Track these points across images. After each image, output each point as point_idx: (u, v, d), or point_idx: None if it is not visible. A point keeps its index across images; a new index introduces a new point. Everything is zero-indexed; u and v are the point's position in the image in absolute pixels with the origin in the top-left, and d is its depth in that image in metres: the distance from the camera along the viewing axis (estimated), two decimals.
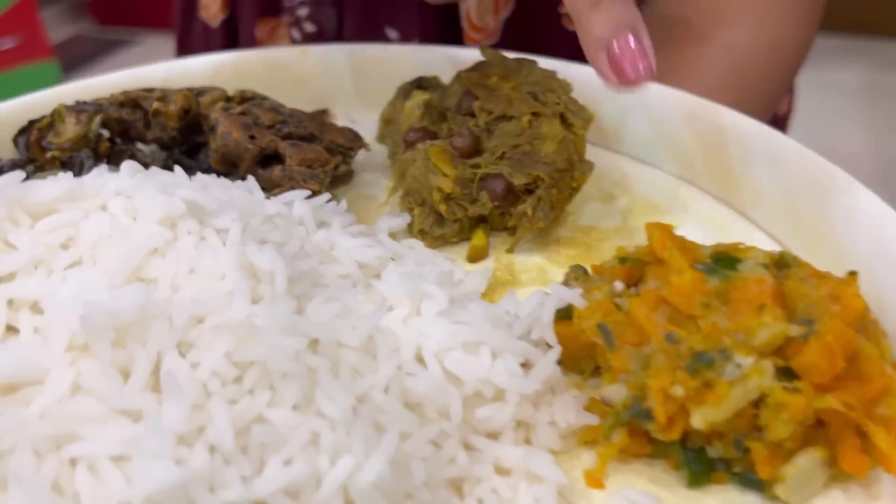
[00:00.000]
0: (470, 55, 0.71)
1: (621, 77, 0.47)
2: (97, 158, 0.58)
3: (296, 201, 0.51)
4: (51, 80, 3.10)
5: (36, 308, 0.40)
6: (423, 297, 0.43)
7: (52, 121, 0.59)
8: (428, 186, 0.55)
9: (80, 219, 0.43)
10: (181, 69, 0.71)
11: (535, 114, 0.55)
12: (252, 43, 0.89)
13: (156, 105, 0.59)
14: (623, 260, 0.44)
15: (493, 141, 0.55)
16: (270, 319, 0.37)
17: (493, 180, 0.54)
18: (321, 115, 0.72)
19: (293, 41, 0.86)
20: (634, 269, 0.44)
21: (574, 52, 0.82)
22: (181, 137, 0.62)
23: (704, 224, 0.58)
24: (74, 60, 3.45)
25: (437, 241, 0.56)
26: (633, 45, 0.46)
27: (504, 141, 0.55)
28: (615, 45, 0.46)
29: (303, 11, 0.83)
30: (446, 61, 0.72)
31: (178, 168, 0.48)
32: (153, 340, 0.36)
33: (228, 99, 0.63)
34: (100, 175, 0.47)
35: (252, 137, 0.56)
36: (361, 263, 0.49)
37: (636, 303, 0.41)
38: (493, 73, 0.59)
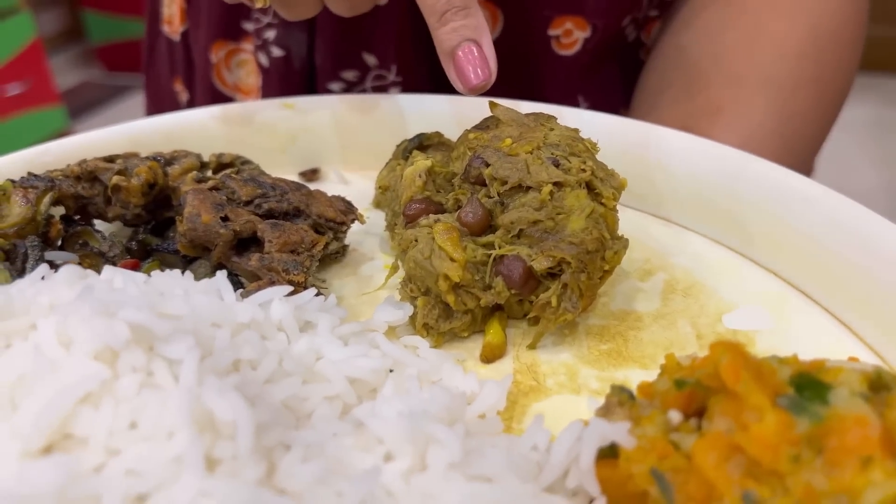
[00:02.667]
0: (474, 106, 0.62)
1: (466, 82, 0.51)
2: (48, 244, 0.49)
3: (274, 301, 0.42)
4: (57, 126, 3.05)
5: None
6: (430, 443, 0.33)
7: None
8: (433, 273, 0.45)
9: (1, 349, 0.34)
10: (156, 127, 0.62)
11: (557, 183, 0.46)
12: (207, 67, 0.80)
13: (115, 179, 0.50)
14: (680, 384, 0.35)
15: (509, 216, 0.46)
16: (227, 499, 0.28)
17: (510, 264, 0.45)
18: (310, 176, 0.63)
19: (260, 67, 0.77)
20: (694, 395, 0.35)
21: (567, 77, 0.73)
22: (147, 214, 0.53)
23: (760, 304, 0.48)
24: (82, 106, 3.42)
25: (445, 336, 0.46)
26: (475, 53, 0.51)
27: (521, 216, 0.46)
28: (459, 53, 0.51)
29: (270, 34, 0.75)
30: (450, 113, 0.63)
31: (125, 273, 0.39)
32: None
33: (203, 166, 0.54)
34: (33, 284, 0.38)
35: (225, 219, 0.46)
36: (353, 379, 0.40)
37: (702, 448, 0.32)
38: (506, 133, 0.49)
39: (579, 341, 0.46)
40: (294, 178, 0.63)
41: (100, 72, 3.76)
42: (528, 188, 0.47)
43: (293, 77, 0.76)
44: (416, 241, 0.47)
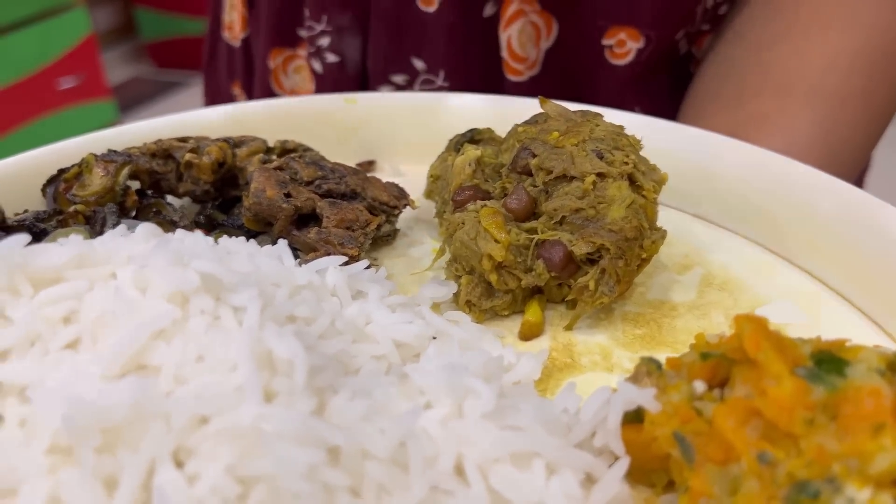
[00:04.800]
0: (526, 106, 0.65)
1: None
2: (123, 213, 0.54)
3: (329, 268, 0.45)
4: (108, 119, 3.16)
5: (24, 396, 0.35)
6: (467, 394, 0.36)
7: (79, 171, 0.55)
8: (477, 253, 0.48)
9: (84, 290, 0.38)
10: (222, 116, 0.66)
11: (600, 174, 0.49)
12: (265, 73, 0.85)
13: (188, 157, 0.55)
14: (705, 356, 0.37)
15: (552, 203, 0.49)
16: (283, 424, 0.31)
17: (552, 248, 0.48)
18: (366, 168, 0.67)
19: (313, 73, 0.81)
20: (719, 367, 0.37)
21: (619, 86, 0.76)
22: (215, 191, 0.57)
23: (793, 301, 0.50)
24: (132, 101, 3.55)
25: (486, 313, 0.49)
26: None
27: (564, 203, 0.49)
28: None
29: (324, 41, 0.79)
30: (500, 112, 0.66)
31: (197, 234, 0.43)
32: (146, 446, 0.31)
33: (269, 150, 0.58)
34: (113, 239, 0.42)
35: (288, 195, 0.50)
36: (399, 343, 0.43)
37: (722, 412, 0.34)
38: (554, 127, 0.52)
39: (614, 325, 0.48)
40: None
41: (149, 68, 3.90)
42: (572, 178, 0.49)
43: (346, 81, 0.80)
44: (463, 223, 0.50)
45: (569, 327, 0.48)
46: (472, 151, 0.54)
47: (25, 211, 0.57)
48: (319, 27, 0.77)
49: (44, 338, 0.37)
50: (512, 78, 0.74)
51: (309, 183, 0.51)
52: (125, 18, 3.95)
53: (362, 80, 0.80)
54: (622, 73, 0.74)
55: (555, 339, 0.48)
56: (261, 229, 0.53)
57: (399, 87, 0.79)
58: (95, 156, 0.55)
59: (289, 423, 0.31)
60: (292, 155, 0.58)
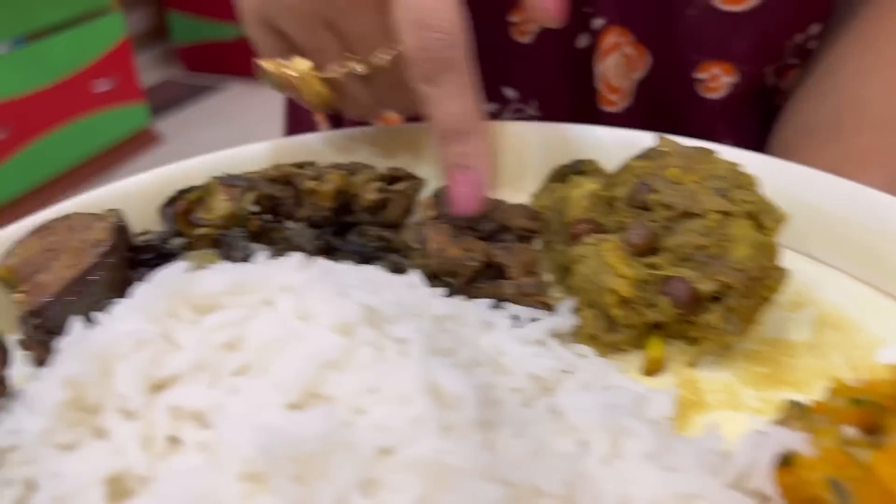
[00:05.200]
0: (617, 138, 0.66)
1: (454, 206, 0.52)
2: (248, 237, 0.56)
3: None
4: (140, 123, 3.23)
5: (201, 420, 0.37)
6: (624, 433, 0.37)
7: (202, 195, 0.57)
8: (601, 288, 0.49)
9: (246, 318, 0.40)
10: (328, 141, 0.68)
11: (722, 212, 0.50)
12: None
13: (310, 184, 0.57)
14: (857, 402, 0.38)
15: (675, 239, 0.50)
16: (465, 458, 0.33)
17: (677, 285, 0.49)
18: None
19: None
20: (870, 413, 0.38)
21: (710, 119, 0.77)
22: (332, 217, 0.59)
23: None
24: (163, 104, 3.60)
25: (607, 348, 0.50)
26: (468, 180, 0.51)
27: (688, 240, 0.50)
28: (455, 177, 0.52)
29: None
30: (597, 143, 0.67)
31: (345, 266, 0.45)
32: (338, 476, 0.32)
33: (381, 178, 0.60)
34: (265, 266, 0.44)
35: (466, 250, 0.52)
36: (534, 376, 0.44)
37: (883, 460, 0.35)
38: (672, 163, 0.54)
39: (735, 363, 0.49)
40: None
41: (181, 71, 3.96)
42: (695, 215, 0.51)
43: None
44: (584, 257, 0.51)
45: (691, 363, 0.49)
46: (589, 185, 0.55)
47: (144, 232, 0.59)
48: None
49: (212, 364, 0.38)
50: (607, 109, 0.76)
51: (469, 227, 0.53)
52: (158, 22, 4.01)
53: None
54: (713, 107, 0.75)
55: (678, 375, 0.49)
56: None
57: (489, 116, 0.81)
58: (219, 180, 0.57)
59: (471, 458, 0.33)
60: (402, 186, 0.60)
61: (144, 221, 0.59)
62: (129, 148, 3.20)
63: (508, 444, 0.36)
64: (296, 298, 0.40)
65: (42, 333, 0.49)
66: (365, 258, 0.57)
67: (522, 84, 0.77)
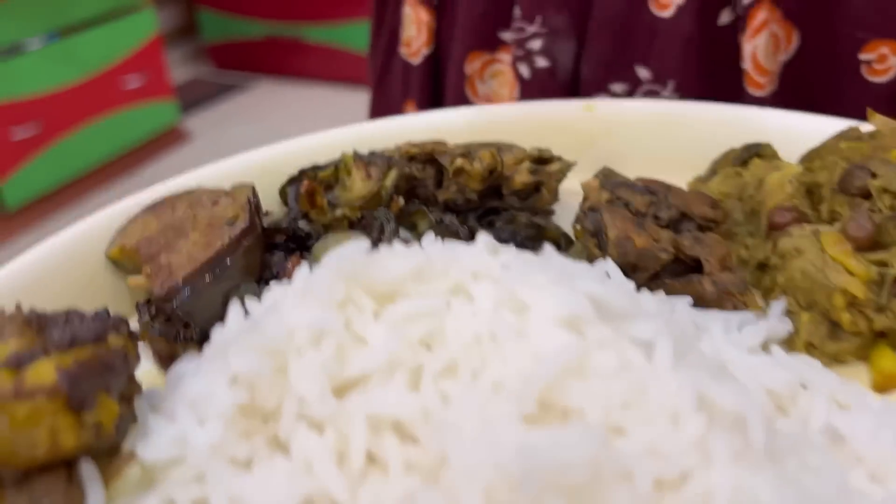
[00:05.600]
0: (791, 122, 0.59)
1: None
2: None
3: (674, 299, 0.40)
4: (169, 119, 3.21)
5: (401, 431, 0.30)
6: None
7: (335, 173, 0.51)
8: (826, 287, 0.42)
9: (442, 308, 0.33)
10: (459, 119, 0.61)
11: None
12: (460, 79, 0.80)
13: (459, 162, 0.50)
14: None
15: None
16: (771, 494, 0.25)
17: None
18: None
19: (519, 78, 0.76)
20: None
21: (873, 105, 0.69)
22: (477, 201, 0.52)
23: None
24: (192, 101, 3.57)
25: (827, 357, 0.43)
26: None
27: None
28: None
29: (535, 44, 0.73)
30: (756, 126, 0.60)
31: (550, 250, 0.38)
32: None
33: (532, 159, 0.53)
34: (447, 249, 0.37)
35: (654, 240, 0.44)
36: (770, 391, 0.37)
37: None
38: (891, 144, 0.46)
39: None
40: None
41: (210, 69, 3.92)
42: None
43: (555, 88, 0.74)
44: (800, 250, 0.44)
45: None
46: (790, 167, 0.48)
47: (266, 213, 0.52)
48: (532, 29, 0.72)
49: (408, 363, 0.31)
50: (754, 92, 0.68)
51: (644, 214, 0.46)
52: (187, 19, 3.98)
53: (572, 88, 0.74)
54: (879, 91, 0.68)
55: None
56: None
57: (617, 97, 0.74)
58: (354, 156, 0.50)
59: (777, 494, 0.26)
60: (555, 167, 0.53)
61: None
62: (158, 145, 3.15)
63: (801, 476, 0.28)
64: (496, 287, 0.33)
65: (166, 323, 0.42)
66: (516, 248, 0.50)
67: (659, 63, 0.70)
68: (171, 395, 0.32)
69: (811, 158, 0.50)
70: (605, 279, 0.35)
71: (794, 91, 0.70)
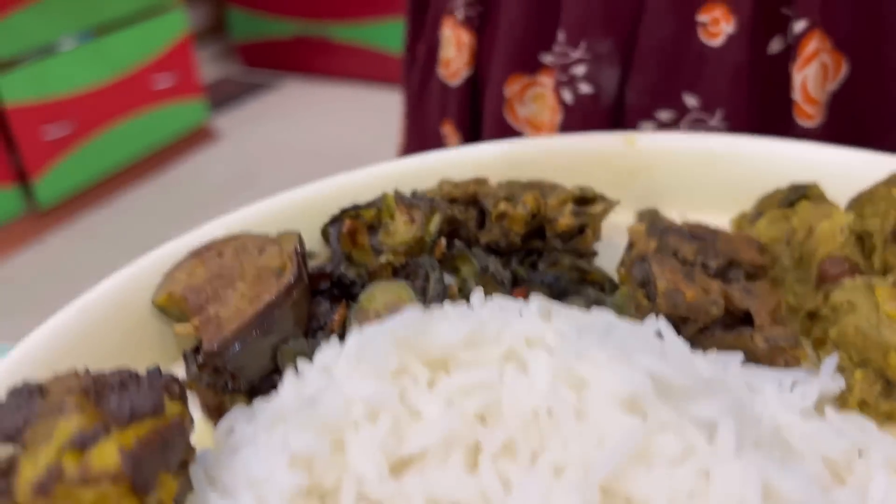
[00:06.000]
0: (839, 158, 0.57)
1: None
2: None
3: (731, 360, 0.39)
4: (199, 118, 3.23)
5: None
6: None
7: (378, 214, 0.50)
8: (881, 344, 0.41)
9: (497, 380, 0.32)
10: (495, 154, 0.60)
11: None
12: (499, 102, 0.79)
13: (502, 206, 0.49)
14: None
15: None
16: None
17: None
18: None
19: (562, 103, 0.74)
20: None
21: None
22: (520, 243, 0.51)
23: None
24: (221, 100, 3.59)
25: (882, 417, 0.42)
26: None
27: None
28: None
29: (579, 69, 0.72)
30: (804, 164, 0.58)
31: (568, 310, 0.37)
32: None
33: (576, 200, 0.52)
34: (499, 312, 0.36)
35: (704, 291, 0.43)
36: (827, 458, 0.35)
37: None
38: None
39: None
40: (631, 219, 0.60)
41: (239, 68, 3.93)
42: None
43: (599, 114, 0.73)
44: (852, 305, 0.43)
45: None
46: (841, 215, 0.47)
47: (310, 255, 0.51)
48: (576, 54, 0.71)
49: (465, 440, 0.31)
50: (804, 123, 0.67)
51: (693, 263, 0.44)
52: (217, 18, 3.99)
53: (616, 114, 0.73)
54: None
55: None
56: None
57: (663, 125, 0.72)
58: (396, 197, 0.50)
59: None
60: (599, 208, 0.52)
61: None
62: (188, 144, 3.17)
63: None
64: (552, 358, 0.32)
65: (213, 374, 0.41)
66: (558, 292, 0.49)
67: (707, 91, 0.69)
68: (228, 467, 0.32)
69: (862, 204, 0.48)
70: (663, 352, 0.33)
71: (843, 122, 0.69)
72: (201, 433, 0.42)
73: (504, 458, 0.30)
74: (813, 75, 0.65)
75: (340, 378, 0.32)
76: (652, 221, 0.49)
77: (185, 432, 0.32)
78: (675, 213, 0.60)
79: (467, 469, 0.30)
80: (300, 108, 3.58)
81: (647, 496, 0.28)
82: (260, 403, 0.35)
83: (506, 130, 0.79)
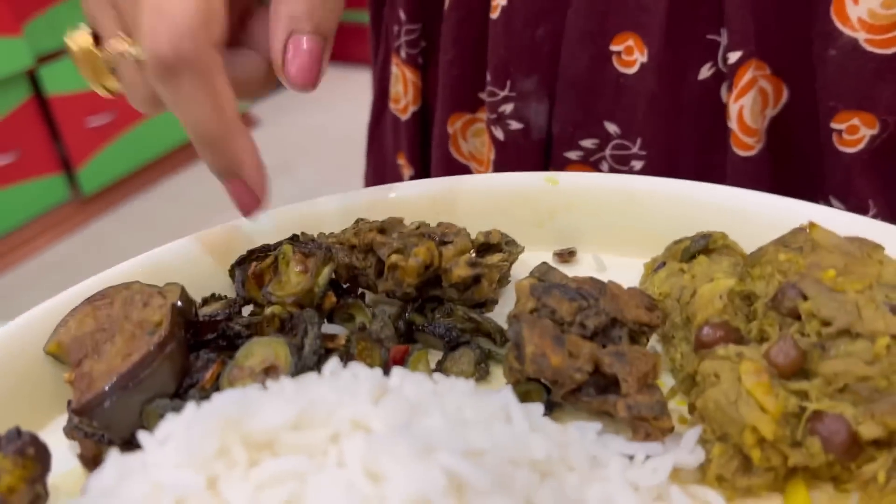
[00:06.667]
0: (761, 206, 0.55)
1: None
2: (320, 314, 0.47)
3: (571, 431, 0.38)
4: (239, 106, 3.30)
5: None
6: None
7: (274, 262, 0.49)
8: (737, 422, 0.39)
9: (307, 470, 0.32)
10: (421, 193, 0.59)
11: (894, 336, 0.39)
12: (444, 138, 0.78)
13: (393, 258, 0.48)
14: None
15: (832, 365, 0.39)
16: None
17: (832, 424, 0.38)
18: (566, 259, 0.58)
19: (494, 140, 0.73)
20: None
21: (845, 174, 0.64)
22: (415, 292, 0.50)
23: None
24: None
25: (739, 492, 0.40)
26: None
27: (848, 369, 0.39)
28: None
29: (507, 107, 0.70)
30: (719, 208, 0.56)
31: (415, 380, 0.36)
32: None
33: (474, 247, 0.51)
34: (333, 390, 0.36)
35: (570, 355, 0.42)
36: None
37: None
38: (828, 262, 0.42)
39: None
40: (549, 257, 0.59)
41: None
42: (857, 335, 0.39)
43: (530, 148, 0.72)
44: (717, 377, 0.41)
45: None
46: (723, 281, 0.45)
47: (213, 296, 0.51)
48: (502, 93, 0.69)
49: None
50: (740, 153, 0.64)
51: (571, 323, 0.43)
52: None
53: (546, 146, 0.71)
54: (850, 161, 0.63)
55: None
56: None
57: (588, 152, 0.70)
58: (293, 246, 0.49)
59: None
60: (543, 283, 0.51)
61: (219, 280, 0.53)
62: None
63: None
64: (366, 448, 0.32)
65: (90, 426, 0.42)
66: (450, 342, 0.48)
67: (625, 120, 0.67)
68: None
69: (752, 264, 0.46)
70: (466, 427, 0.33)
71: (780, 151, 0.66)
72: (78, 482, 0.42)
73: None
74: (750, 104, 0.62)
75: (152, 462, 0.32)
76: (540, 277, 0.48)
77: None
78: (590, 255, 0.59)
79: None
80: (339, 97, 3.59)
81: None
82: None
83: (452, 165, 0.78)
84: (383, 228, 0.52)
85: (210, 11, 0.41)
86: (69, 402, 0.43)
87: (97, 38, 0.46)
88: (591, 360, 0.42)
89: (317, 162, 2.96)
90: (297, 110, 3.48)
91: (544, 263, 0.49)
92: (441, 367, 0.47)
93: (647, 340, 0.46)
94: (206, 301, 0.51)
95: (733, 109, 0.63)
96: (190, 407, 0.35)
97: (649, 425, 0.41)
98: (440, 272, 0.49)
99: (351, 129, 3.20)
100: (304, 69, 0.46)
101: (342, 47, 3.68)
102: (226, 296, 0.52)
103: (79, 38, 0.47)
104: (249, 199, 0.46)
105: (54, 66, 2.51)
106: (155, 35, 0.40)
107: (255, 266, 0.51)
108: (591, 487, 0.36)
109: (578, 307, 0.45)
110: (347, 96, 3.42)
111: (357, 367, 0.38)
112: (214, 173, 0.46)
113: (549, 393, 0.44)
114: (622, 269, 0.57)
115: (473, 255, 0.51)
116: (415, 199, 0.59)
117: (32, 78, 2.50)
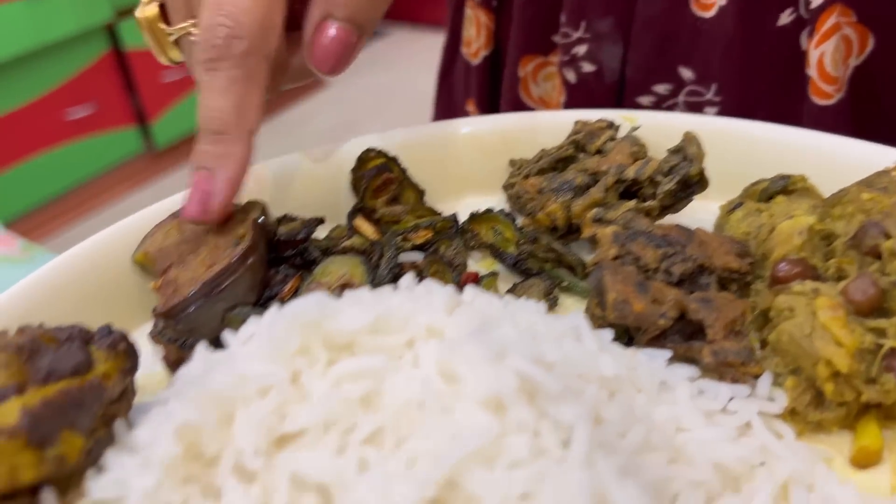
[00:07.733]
0: (842, 152, 0.53)
1: (184, 210, 0.44)
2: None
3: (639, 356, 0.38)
4: None
5: (325, 495, 0.30)
6: None
7: (399, 181, 0.51)
8: (811, 354, 0.39)
9: (384, 367, 0.33)
10: (480, 129, 0.59)
11: None
12: (514, 81, 0.77)
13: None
14: None
15: None
16: None
17: None
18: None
19: (565, 82, 0.72)
20: None
21: None
22: None
23: None
24: None
25: (810, 426, 0.40)
26: (204, 184, 0.44)
27: None
28: (194, 177, 0.44)
29: (580, 49, 0.69)
30: (799, 148, 0.54)
31: (487, 298, 0.37)
32: None
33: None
34: (410, 300, 0.36)
35: (655, 302, 0.42)
36: (720, 466, 0.34)
37: None
38: None
39: None
40: None
41: None
42: None
43: (602, 91, 0.71)
44: (791, 311, 0.40)
45: None
46: (804, 217, 0.44)
47: (285, 217, 0.52)
48: (576, 34, 0.69)
49: (341, 423, 0.31)
50: (818, 101, 0.62)
51: (656, 270, 0.43)
52: None
53: (619, 90, 0.70)
54: None
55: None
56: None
57: (661, 98, 0.69)
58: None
59: None
60: (628, 230, 0.50)
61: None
62: (297, 90, 3.24)
63: None
64: (441, 350, 0.33)
65: (175, 331, 0.44)
66: (523, 272, 0.49)
67: (701, 64, 0.65)
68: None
69: (833, 204, 0.45)
70: (539, 342, 0.33)
71: (863, 99, 0.63)
72: (161, 384, 0.44)
73: (371, 444, 0.31)
74: (831, 51, 0.60)
75: (238, 356, 0.34)
76: (625, 224, 0.47)
77: (101, 393, 0.34)
78: None
79: (337, 451, 0.31)
80: (406, 57, 3.59)
81: (482, 496, 0.28)
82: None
83: (521, 109, 0.78)
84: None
85: (269, 20, 0.42)
86: (154, 309, 0.45)
87: (164, 11, 0.48)
88: (677, 306, 0.42)
89: (383, 122, 2.97)
90: (364, 71, 3.49)
91: (629, 211, 0.48)
92: (511, 293, 0.47)
93: (739, 287, 0.45)
94: (279, 221, 0.52)
95: (813, 55, 0.61)
96: (272, 310, 0.37)
97: (735, 371, 0.40)
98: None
99: (416, 91, 3.20)
100: (327, 55, 0.45)
101: (411, 9, 3.67)
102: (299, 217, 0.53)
103: (147, 10, 0.48)
104: (204, 200, 0.44)
105: (131, 20, 2.57)
106: (212, 29, 0.42)
107: (386, 176, 0.52)
108: (659, 408, 0.36)
109: (664, 254, 0.44)
110: (414, 58, 3.42)
111: (431, 283, 0.39)
112: (193, 161, 0.45)
113: (632, 341, 0.43)
114: (697, 211, 0.56)
115: None
116: (487, 134, 0.59)
117: (111, 31, 2.56)
